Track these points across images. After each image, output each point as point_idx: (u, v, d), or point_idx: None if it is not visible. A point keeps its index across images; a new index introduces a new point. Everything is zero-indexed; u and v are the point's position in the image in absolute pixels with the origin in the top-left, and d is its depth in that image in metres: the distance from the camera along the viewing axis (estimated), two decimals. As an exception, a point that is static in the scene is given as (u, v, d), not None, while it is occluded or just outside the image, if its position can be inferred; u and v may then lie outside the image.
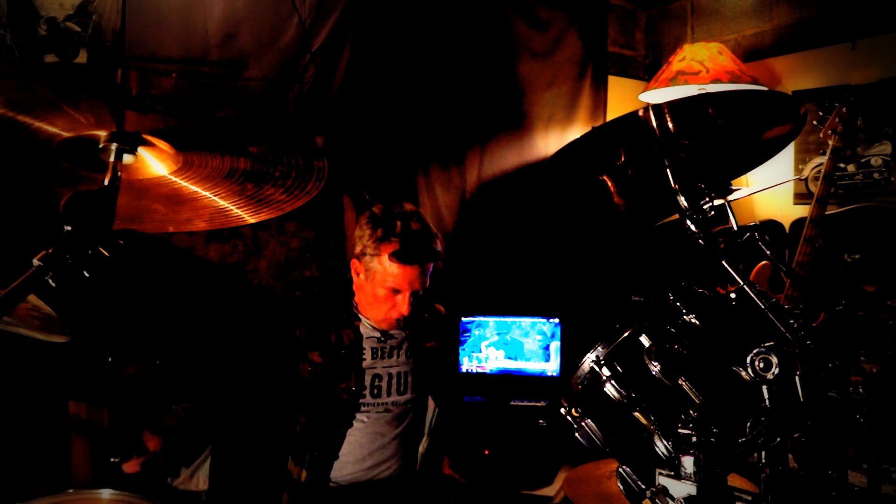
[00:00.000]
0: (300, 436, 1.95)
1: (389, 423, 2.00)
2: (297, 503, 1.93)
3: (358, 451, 1.96)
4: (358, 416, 1.96)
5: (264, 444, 2.02)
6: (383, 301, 1.92)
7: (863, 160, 2.87)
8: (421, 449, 2.13)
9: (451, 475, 2.11)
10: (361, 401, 1.96)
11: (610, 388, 1.20)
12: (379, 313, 1.96)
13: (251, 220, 1.32)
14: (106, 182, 1.06)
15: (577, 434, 1.24)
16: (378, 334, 2.03)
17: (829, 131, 2.62)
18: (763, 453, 1.07)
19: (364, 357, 1.99)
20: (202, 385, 2.00)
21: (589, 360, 1.23)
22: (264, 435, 2.03)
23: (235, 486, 2.04)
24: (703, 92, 2.84)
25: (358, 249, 1.93)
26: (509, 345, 3.10)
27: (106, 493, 1.51)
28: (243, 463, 2.03)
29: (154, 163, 1.18)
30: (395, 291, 1.89)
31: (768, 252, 1.28)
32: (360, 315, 2.03)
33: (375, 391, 1.98)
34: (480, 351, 3.11)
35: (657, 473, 1.13)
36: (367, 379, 1.98)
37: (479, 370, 3.10)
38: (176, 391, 2.04)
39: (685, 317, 1.21)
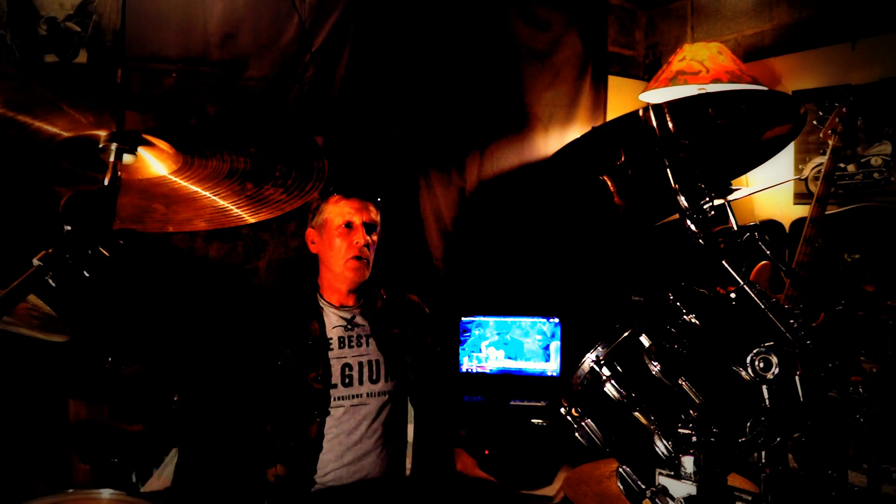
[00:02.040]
0: (274, 434, 1.96)
1: (367, 417, 2.01)
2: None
3: (337, 447, 1.96)
4: (333, 410, 1.97)
5: (241, 450, 2.03)
6: (341, 247, 2.02)
7: (863, 160, 2.87)
8: (409, 437, 2.14)
9: (480, 476, 2.03)
10: (334, 391, 1.98)
11: (610, 388, 1.20)
12: (344, 266, 2.02)
13: (251, 220, 1.32)
14: (106, 182, 1.06)
15: (577, 434, 1.24)
16: (343, 322, 2.06)
17: (829, 131, 2.62)
18: (763, 453, 1.07)
19: (331, 346, 2.03)
20: (197, 382, 2.01)
21: (589, 360, 1.23)
22: (242, 440, 2.03)
23: (213, 497, 2.04)
24: (703, 92, 2.84)
25: (310, 219, 2.10)
26: (509, 345, 3.10)
27: (106, 493, 1.51)
28: (220, 471, 2.03)
29: (154, 163, 1.18)
30: (349, 227, 2.02)
31: (768, 252, 1.28)
32: (323, 303, 2.08)
33: (347, 380, 2.01)
34: (480, 351, 3.11)
35: (657, 473, 1.13)
36: (337, 368, 2.01)
37: (479, 370, 3.10)
38: (175, 391, 2.04)
39: (685, 317, 1.21)
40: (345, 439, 1.97)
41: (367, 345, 2.07)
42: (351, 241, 2.02)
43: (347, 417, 1.98)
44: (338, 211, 2.04)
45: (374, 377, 2.04)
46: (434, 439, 2.18)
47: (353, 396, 2.00)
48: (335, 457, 1.96)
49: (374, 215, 2.08)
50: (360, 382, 2.02)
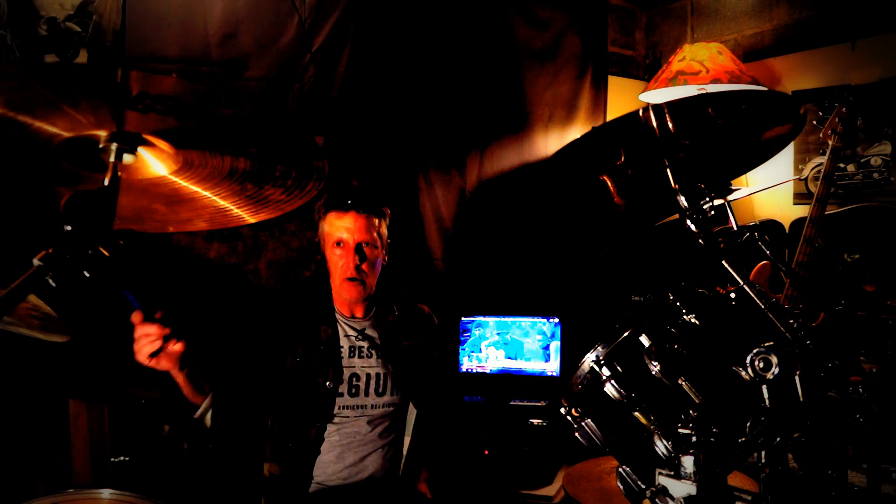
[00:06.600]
0: (273, 429, 1.95)
1: (368, 425, 2.00)
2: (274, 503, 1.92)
3: (337, 449, 1.96)
4: (336, 418, 1.96)
5: (242, 444, 2.01)
6: (336, 265, 1.99)
7: (862, 160, 2.87)
8: (404, 449, 2.13)
9: (423, 492, 2.08)
10: (339, 400, 1.97)
11: (610, 388, 1.20)
12: (340, 286, 2.00)
13: (251, 220, 1.32)
14: (106, 182, 1.06)
15: (577, 434, 1.24)
16: (354, 332, 2.05)
17: (829, 131, 2.62)
18: (763, 453, 1.07)
19: (342, 354, 2.02)
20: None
21: (589, 360, 1.23)
22: (243, 433, 2.01)
23: (212, 494, 2.02)
24: (703, 92, 2.84)
25: (318, 232, 2.06)
26: (509, 345, 3.10)
27: (106, 493, 1.51)
28: (220, 467, 2.01)
29: (154, 163, 1.18)
30: (340, 244, 1.98)
31: (768, 252, 1.28)
32: (336, 313, 2.07)
33: (353, 390, 2.00)
34: (480, 351, 3.11)
35: (657, 473, 1.13)
36: (346, 376, 2.00)
37: (479, 370, 3.10)
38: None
39: (685, 317, 1.21)
40: (345, 443, 1.97)
41: (377, 356, 2.05)
42: (345, 261, 1.98)
43: (349, 425, 1.98)
44: (332, 227, 1.99)
45: (381, 390, 2.03)
46: (433, 442, 2.17)
47: (357, 407, 1.99)
48: (335, 458, 1.95)
49: (374, 231, 2.00)
50: (367, 394, 2.01)
